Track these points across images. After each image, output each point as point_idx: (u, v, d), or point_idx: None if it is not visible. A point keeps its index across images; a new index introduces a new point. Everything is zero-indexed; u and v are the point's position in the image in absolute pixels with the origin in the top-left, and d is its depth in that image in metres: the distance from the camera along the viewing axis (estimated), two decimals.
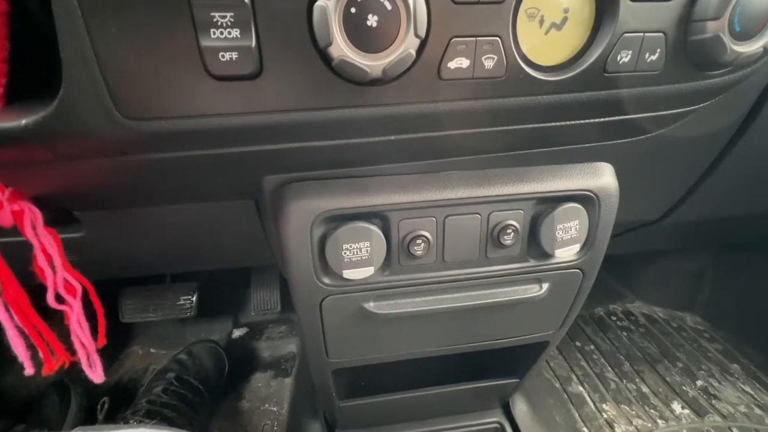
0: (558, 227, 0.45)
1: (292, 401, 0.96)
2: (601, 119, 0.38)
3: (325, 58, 0.29)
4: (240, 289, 1.26)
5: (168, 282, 1.07)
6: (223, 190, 0.46)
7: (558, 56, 0.34)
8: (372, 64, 0.29)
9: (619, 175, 0.49)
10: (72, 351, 0.45)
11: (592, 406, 0.97)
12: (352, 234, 0.42)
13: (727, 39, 0.33)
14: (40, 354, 0.44)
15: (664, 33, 0.33)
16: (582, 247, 0.48)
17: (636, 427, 0.92)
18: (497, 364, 0.68)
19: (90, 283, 0.45)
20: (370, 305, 0.47)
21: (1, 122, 0.29)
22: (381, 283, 0.46)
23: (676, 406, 0.97)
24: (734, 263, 1.18)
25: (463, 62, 0.32)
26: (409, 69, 0.30)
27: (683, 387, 1.02)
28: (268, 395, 1.02)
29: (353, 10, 0.28)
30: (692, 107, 0.40)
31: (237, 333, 1.18)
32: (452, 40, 0.31)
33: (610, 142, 0.45)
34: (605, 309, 1.28)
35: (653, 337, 1.18)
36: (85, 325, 0.45)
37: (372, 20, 0.28)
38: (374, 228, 0.42)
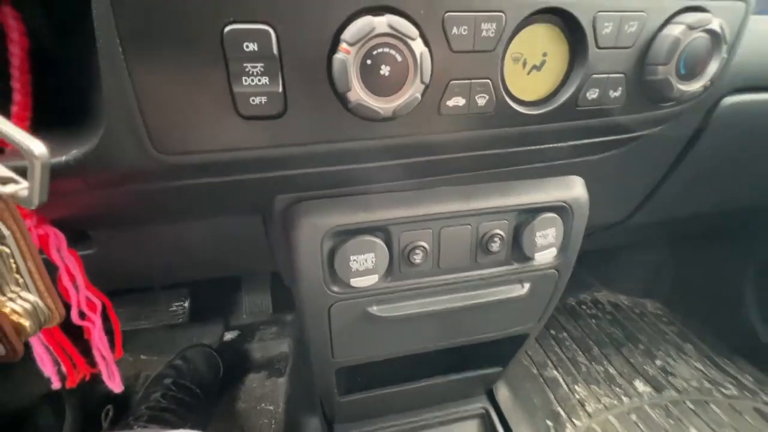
0: (537, 234, 0.52)
1: (288, 399, 1.00)
2: (573, 142, 0.45)
3: (342, 100, 0.34)
4: (229, 293, 1.27)
5: (157, 289, 1.08)
6: (236, 208, 0.49)
7: (538, 93, 0.40)
8: (384, 106, 0.33)
9: (589, 185, 0.56)
10: (92, 364, 0.48)
11: (566, 388, 1.06)
12: (359, 246, 0.47)
13: (674, 80, 0.39)
14: (63, 368, 0.46)
15: (625, 74, 0.40)
16: (558, 251, 0.55)
17: (604, 405, 1.02)
18: (482, 356, 0.74)
19: (107, 299, 0.47)
20: (374, 309, 0.52)
21: None
22: (384, 289, 0.51)
23: (639, 384, 1.08)
24: (688, 255, 1.30)
25: (459, 101, 0.37)
26: (419, 108, 0.35)
27: (644, 367, 1.13)
28: (264, 395, 1.05)
29: (369, 61, 0.32)
30: (646, 131, 0.47)
31: (228, 336, 1.20)
32: (450, 83, 0.36)
33: (580, 159, 0.52)
34: (576, 299, 1.39)
35: (618, 322, 1.30)
36: (104, 338, 0.47)
37: (385, 70, 0.32)
38: (378, 240, 0.47)
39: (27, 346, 0.42)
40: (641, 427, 0.97)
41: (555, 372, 1.11)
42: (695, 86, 0.40)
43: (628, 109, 0.41)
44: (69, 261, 0.42)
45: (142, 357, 1.16)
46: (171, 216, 0.49)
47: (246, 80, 0.31)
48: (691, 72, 0.40)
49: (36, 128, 0.35)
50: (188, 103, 0.32)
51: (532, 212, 0.52)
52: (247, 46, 0.30)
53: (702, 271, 1.29)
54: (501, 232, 0.51)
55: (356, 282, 0.48)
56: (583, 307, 1.36)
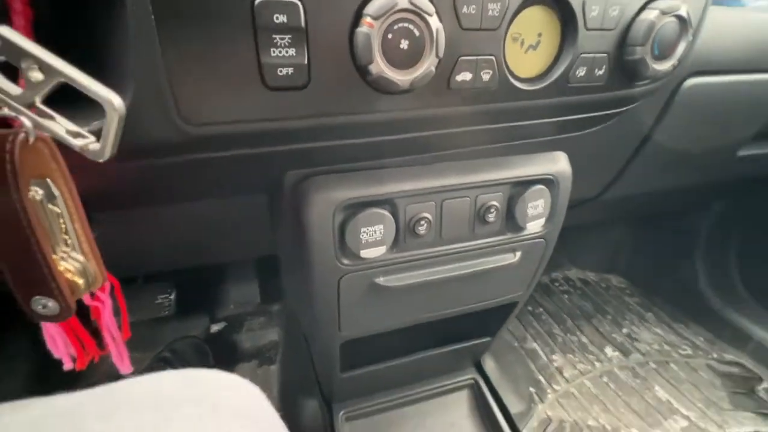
0: (529, 205, 0.56)
1: (282, 385, 1.01)
2: (564, 118, 0.49)
3: (362, 72, 0.36)
4: (213, 285, 1.25)
5: (140, 283, 1.04)
6: (245, 186, 0.50)
7: (534, 70, 0.44)
8: (402, 78, 0.36)
9: (571, 161, 0.61)
10: (100, 346, 0.47)
11: (545, 358, 1.14)
12: (369, 219, 0.49)
13: (649, 59, 0.44)
14: (72, 350, 0.45)
15: (608, 54, 0.44)
16: (546, 221, 0.60)
17: (579, 371, 1.10)
18: (473, 327, 0.79)
19: (117, 280, 0.46)
20: (381, 280, 0.54)
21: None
22: (390, 260, 0.54)
23: (608, 350, 1.18)
24: (645, 231, 1.43)
25: (467, 75, 0.40)
26: (431, 82, 0.38)
27: (612, 335, 1.24)
28: (255, 383, 1.05)
29: (390, 36, 0.34)
30: (624, 108, 0.52)
31: (215, 328, 1.18)
32: (459, 59, 0.39)
33: (564, 136, 0.56)
34: (549, 277, 1.48)
35: (587, 296, 1.40)
36: (113, 319, 0.47)
37: (404, 43, 0.35)
38: (386, 213, 0.50)
39: (38, 327, 0.42)
40: (612, 387, 1.06)
41: (534, 344, 1.19)
42: (666, 66, 0.46)
43: (610, 86, 0.46)
44: None
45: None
46: (182, 195, 0.49)
47: (274, 51, 0.33)
48: (663, 53, 0.45)
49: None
50: (216, 74, 0.33)
51: (523, 184, 0.56)
52: (277, 18, 0.32)
53: (658, 246, 1.41)
54: (497, 203, 0.55)
55: (366, 253, 0.50)
56: (556, 284, 1.46)
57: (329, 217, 0.48)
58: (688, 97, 0.59)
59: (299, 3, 0.32)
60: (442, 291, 0.61)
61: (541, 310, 1.33)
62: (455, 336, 0.80)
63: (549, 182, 0.58)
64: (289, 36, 0.33)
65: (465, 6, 0.37)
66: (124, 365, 0.50)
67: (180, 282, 1.12)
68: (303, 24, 0.33)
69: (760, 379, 1.09)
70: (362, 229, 0.49)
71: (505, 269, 0.61)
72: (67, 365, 0.44)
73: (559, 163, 0.58)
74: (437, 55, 0.36)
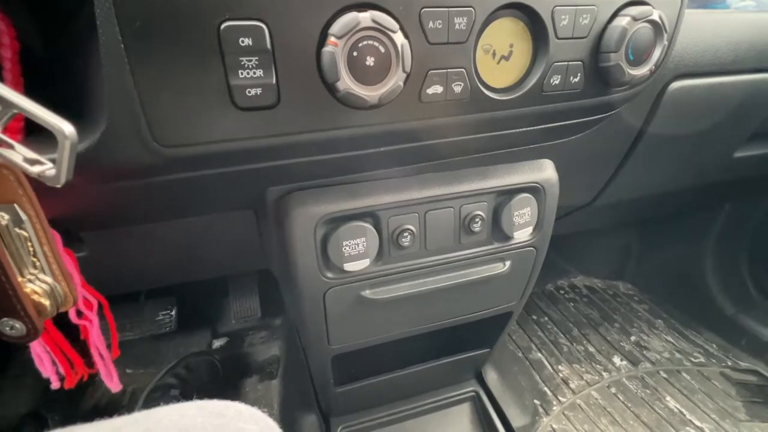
0: (515, 214, 0.56)
1: (283, 399, 1.00)
2: (542, 126, 0.49)
3: (331, 89, 0.37)
4: (215, 300, 1.26)
5: (142, 299, 1.06)
6: (229, 202, 0.51)
7: (508, 80, 0.44)
8: (370, 94, 0.36)
9: (558, 169, 0.60)
10: (89, 364, 0.48)
11: (550, 369, 1.11)
12: (351, 232, 0.49)
13: (624, 65, 0.44)
14: (61, 369, 0.46)
15: (582, 62, 0.44)
16: (534, 229, 0.59)
17: (586, 381, 1.07)
18: (470, 338, 0.78)
19: (104, 298, 0.47)
20: (367, 292, 0.54)
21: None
22: (375, 273, 0.54)
23: (616, 360, 1.14)
24: (652, 237, 1.40)
25: (437, 89, 0.40)
26: (397, 96, 0.38)
27: (620, 343, 1.20)
28: (257, 398, 1.05)
29: (355, 53, 0.35)
30: (605, 114, 0.52)
31: (217, 343, 1.19)
32: (429, 72, 0.39)
33: (549, 143, 0.56)
34: (554, 285, 1.45)
35: (594, 304, 1.37)
36: (102, 337, 0.48)
37: (369, 60, 0.36)
38: (368, 225, 0.50)
39: (21, 349, 0.43)
40: (620, 398, 1.03)
41: (539, 354, 1.16)
42: (643, 71, 0.45)
43: (587, 93, 0.46)
44: (65, 260, 0.42)
45: (128, 371, 1.13)
46: (166, 213, 0.50)
47: (242, 73, 0.34)
48: (638, 58, 0.45)
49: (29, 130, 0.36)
50: (188, 96, 0.34)
51: (509, 193, 0.56)
52: (243, 41, 0.33)
53: (666, 251, 1.38)
54: (481, 213, 0.55)
55: (350, 266, 0.51)
56: (562, 292, 1.43)
57: (311, 232, 0.49)
58: (675, 99, 0.59)
59: (264, 26, 0.33)
60: (431, 303, 0.60)
61: (546, 318, 1.30)
62: (452, 348, 0.79)
63: (535, 190, 0.57)
64: (256, 58, 0.34)
65: (431, 21, 0.37)
66: (113, 383, 0.51)
67: (182, 297, 1.13)
68: (269, 46, 0.34)
69: None
70: (344, 243, 0.49)
71: (495, 279, 0.61)
72: (54, 384, 0.44)
73: (545, 171, 0.58)
74: (404, 70, 0.37)
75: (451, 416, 0.88)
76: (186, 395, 0.89)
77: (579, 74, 0.45)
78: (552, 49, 0.42)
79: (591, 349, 1.19)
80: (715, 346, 1.19)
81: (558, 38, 0.42)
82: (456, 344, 0.78)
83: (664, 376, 1.09)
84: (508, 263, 0.60)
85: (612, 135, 0.61)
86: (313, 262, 0.50)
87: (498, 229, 0.57)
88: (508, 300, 0.68)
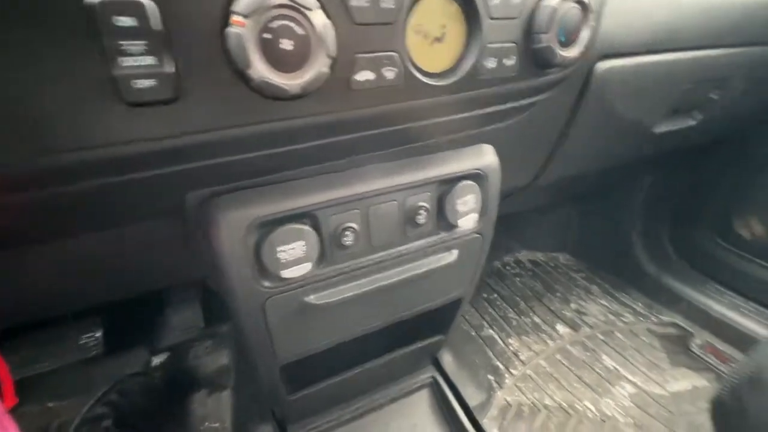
0: (458, 202, 0.55)
1: (235, 411, 0.95)
2: (479, 112, 0.48)
3: (243, 78, 0.31)
4: (151, 313, 1.15)
5: (62, 323, 0.93)
6: (143, 212, 0.44)
7: (443, 64, 0.41)
8: (290, 83, 0.32)
9: (498, 152, 0.60)
10: None
11: (501, 344, 1.16)
12: (286, 236, 0.45)
13: (556, 47, 0.44)
14: None
15: (516, 43, 0.43)
16: (479, 216, 0.58)
17: (534, 352, 1.13)
18: (423, 328, 0.77)
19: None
20: (311, 298, 0.51)
21: None
22: (319, 276, 0.50)
23: (560, 327, 1.22)
24: (588, 210, 1.49)
25: (368, 75, 0.37)
26: (324, 84, 0.34)
27: (563, 311, 1.28)
28: (207, 414, 0.98)
29: (268, 35, 0.30)
30: (540, 97, 0.52)
31: (157, 360, 1.09)
32: (357, 56, 0.36)
33: (488, 128, 0.55)
34: (501, 262, 1.51)
35: (538, 277, 1.44)
36: None
37: (286, 43, 0.31)
38: (306, 227, 0.46)
39: None
40: (565, 363, 1.10)
41: (491, 330, 1.21)
42: (574, 52, 0.45)
43: (521, 76, 0.45)
44: None
45: (50, 405, 1.00)
46: (72, 229, 0.42)
47: (125, 61, 0.28)
48: (569, 39, 0.45)
49: None
50: (66, 91, 0.27)
51: (451, 182, 0.55)
52: (120, 21, 0.27)
53: (599, 223, 1.49)
54: (425, 204, 0.53)
55: (288, 273, 0.46)
56: (508, 268, 1.49)
57: (241, 239, 0.43)
58: (602, 80, 0.60)
59: (149, 1, 0.27)
60: (381, 300, 0.58)
61: (495, 295, 1.35)
62: (406, 339, 0.78)
63: (477, 177, 0.56)
64: (144, 42, 0.28)
65: None
66: None
67: (112, 315, 1.01)
68: (161, 27, 0.28)
69: (692, 335, 1.18)
70: (280, 248, 0.45)
71: (444, 269, 0.60)
72: None
73: (485, 157, 0.57)
74: (328, 55, 0.33)
75: (410, 405, 0.88)
76: (121, 424, 0.80)
77: (513, 56, 0.43)
78: (486, 30, 0.40)
79: (537, 319, 1.25)
80: (641, 304, 1.31)
81: (491, 18, 0.40)
82: (410, 335, 0.78)
83: (601, 337, 1.18)
84: (455, 252, 0.60)
85: (547, 117, 0.62)
86: (247, 271, 0.45)
87: (443, 219, 0.56)
88: (459, 288, 0.68)
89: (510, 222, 1.50)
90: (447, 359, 0.97)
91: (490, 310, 1.29)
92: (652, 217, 1.37)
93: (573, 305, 1.31)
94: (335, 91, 0.36)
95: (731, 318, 1.15)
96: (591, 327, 1.22)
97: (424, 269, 0.57)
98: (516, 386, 1.04)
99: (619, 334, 1.19)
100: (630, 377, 1.06)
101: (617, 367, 1.09)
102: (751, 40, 0.74)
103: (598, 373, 1.07)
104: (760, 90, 0.87)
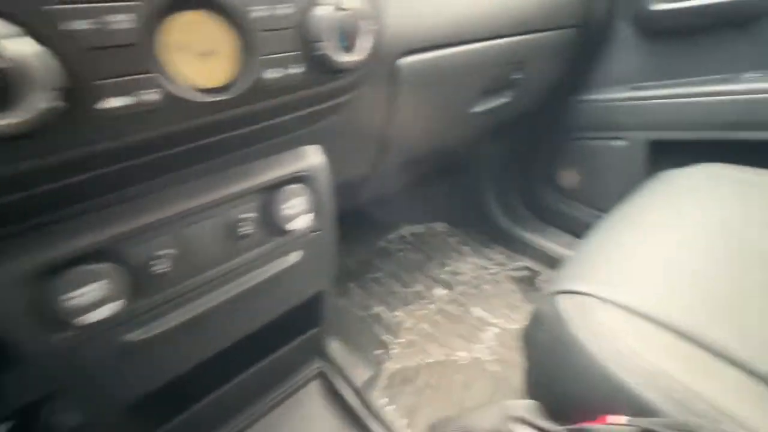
0: (284, 207, 0.55)
1: None
2: (272, 122, 0.48)
3: None
4: None
5: None
6: None
7: (220, 78, 0.41)
8: (7, 122, 0.28)
9: (329, 148, 0.62)
10: None
11: (389, 317, 1.25)
12: (78, 279, 0.41)
13: (337, 53, 0.46)
14: None
15: (295, 52, 0.44)
16: (316, 214, 0.60)
17: (417, 318, 1.25)
18: (291, 327, 0.79)
19: None
20: (131, 335, 0.47)
21: None
22: (137, 310, 0.47)
23: (437, 290, 1.35)
24: (455, 182, 1.65)
25: (122, 100, 0.34)
26: (66, 116, 0.31)
27: (440, 276, 1.42)
28: None
29: None
30: (346, 97, 0.55)
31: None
32: (102, 83, 0.33)
33: (302, 131, 0.56)
34: (385, 240, 1.60)
35: (418, 248, 1.57)
36: None
37: None
38: (100, 266, 0.42)
39: None
40: (442, 321, 1.23)
41: (377, 308, 1.29)
42: (358, 56, 0.48)
43: (312, 82, 0.47)
44: None
45: None
46: None
47: None
48: (350, 44, 0.47)
49: None
50: None
51: (274, 188, 0.55)
52: None
53: (464, 190, 1.66)
54: (250, 215, 0.53)
55: (93, 316, 0.42)
56: (392, 244, 1.58)
57: (14, 292, 0.38)
58: (408, 74, 0.66)
59: None
60: (227, 317, 0.57)
61: (380, 273, 1.43)
62: (274, 344, 0.78)
63: (302, 179, 0.58)
64: None
65: (74, 22, 0.30)
66: None
67: None
68: None
69: (539, 273, 1.42)
70: (69, 295, 0.40)
71: (289, 272, 0.61)
72: None
73: (309, 158, 0.59)
74: (54, 87, 0.29)
75: (300, 400, 0.90)
76: None
77: (298, 65, 0.44)
78: (260, 42, 0.40)
79: (418, 287, 1.37)
80: (503, 256, 1.52)
81: (262, 30, 0.40)
82: (279, 338, 0.78)
83: (472, 291, 1.35)
84: (296, 254, 0.61)
85: (366, 112, 0.65)
86: (28, 325, 0.40)
87: (273, 226, 0.56)
88: (315, 284, 0.70)
89: (388, 201, 1.59)
90: (334, 346, 1.01)
91: (377, 288, 1.37)
92: (503, 180, 1.59)
93: (448, 268, 1.46)
94: (79, 122, 0.33)
95: (564, 254, 1.41)
96: (463, 284, 1.38)
97: (265, 277, 0.58)
98: (403, 353, 1.14)
99: (486, 286, 1.38)
100: (495, 321, 1.24)
101: (484, 314, 1.26)
102: (534, 28, 0.88)
103: (470, 323, 1.23)
104: (550, 68, 1.04)
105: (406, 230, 1.68)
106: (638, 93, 1.14)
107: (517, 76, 0.95)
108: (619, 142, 1.21)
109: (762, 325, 0.46)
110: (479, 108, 0.91)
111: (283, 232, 0.57)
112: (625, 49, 1.15)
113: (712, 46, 1.04)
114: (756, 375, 0.42)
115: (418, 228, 1.69)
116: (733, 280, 0.53)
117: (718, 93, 0.99)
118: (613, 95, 1.19)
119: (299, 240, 0.60)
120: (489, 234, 1.61)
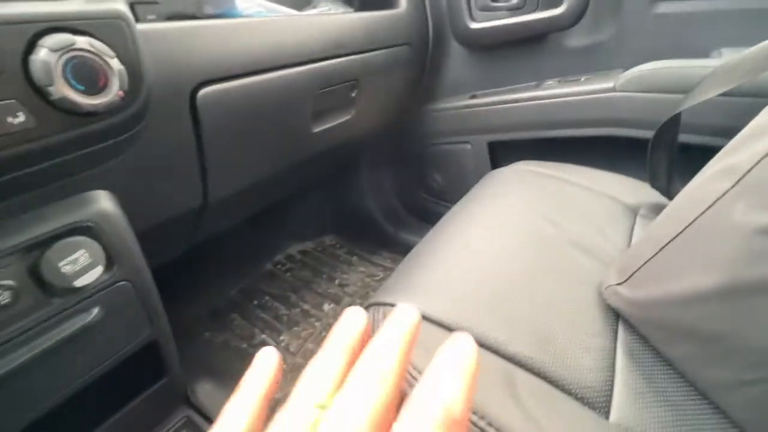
0: (61, 264, 0.50)
1: None
2: (29, 169, 0.43)
3: None
4: None
5: None
6: None
7: None
8: None
9: (133, 188, 0.58)
10: None
11: (273, 344, 1.21)
12: None
13: (76, 96, 0.43)
14: None
15: (18, 99, 0.40)
16: (106, 267, 0.55)
17: (303, 338, 1.23)
18: (127, 386, 0.71)
19: None
20: None
21: None
22: None
23: (325, 306, 1.35)
24: (337, 195, 1.67)
25: None
26: None
27: (328, 290, 1.42)
28: None
29: None
30: (99, 145, 0.49)
31: None
32: None
33: (79, 176, 0.52)
34: (272, 263, 1.55)
35: (307, 265, 1.55)
36: None
37: None
38: None
39: None
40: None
41: (263, 335, 1.24)
42: (107, 98, 0.45)
43: (47, 131, 0.43)
44: None
45: None
46: None
47: None
48: (93, 86, 0.44)
49: None
50: None
51: (45, 244, 0.49)
52: None
53: (348, 202, 1.69)
54: (8, 282, 0.46)
55: None
56: (279, 266, 1.54)
57: None
58: (211, 103, 0.64)
59: None
60: (24, 388, 0.49)
61: (267, 298, 1.39)
62: (118, 403, 0.71)
63: (86, 229, 0.53)
64: None
65: None
66: None
67: None
68: None
69: None
70: None
71: (95, 328, 0.55)
72: None
73: (93, 205, 0.54)
74: None
75: None
76: None
77: (20, 113, 0.40)
78: None
79: (306, 306, 1.35)
80: (389, 261, 1.58)
81: None
82: (120, 397, 0.71)
83: (359, 301, 1.37)
84: (96, 309, 0.55)
85: (164, 146, 0.62)
86: None
87: (50, 287, 0.50)
88: (136, 334, 0.64)
89: (269, 223, 1.55)
90: (202, 389, 0.94)
91: (262, 314, 1.32)
92: (382, 188, 1.65)
93: (337, 281, 1.47)
94: None
95: None
96: (351, 296, 1.40)
97: (57, 339, 0.51)
98: (290, 379, 1.11)
99: (373, 293, 1.41)
100: None
101: None
102: (358, 50, 0.92)
103: None
104: (389, 83, 1.11)
105: (294, 248, 1.65)
106: (475, 101, 1.27)
107: (353, 95, 0.99)
108: (467, 146, 1.34)
109: (530, 314, 0.53)
110: (320, 128, 0.93)
111: (69, 291, 0.52)
112: (461, 61, 1.28)
113: (523, 57, 1.20)
114: (508, 358, 0.48)
115: (308, 245, 1.68)
116: (513, 272, 0.61)
117: (529, 99, 1.14)
118: (457, 103, 1.31)
119: (95, 297, 0.55)
120: (376, 241, 1.65)
